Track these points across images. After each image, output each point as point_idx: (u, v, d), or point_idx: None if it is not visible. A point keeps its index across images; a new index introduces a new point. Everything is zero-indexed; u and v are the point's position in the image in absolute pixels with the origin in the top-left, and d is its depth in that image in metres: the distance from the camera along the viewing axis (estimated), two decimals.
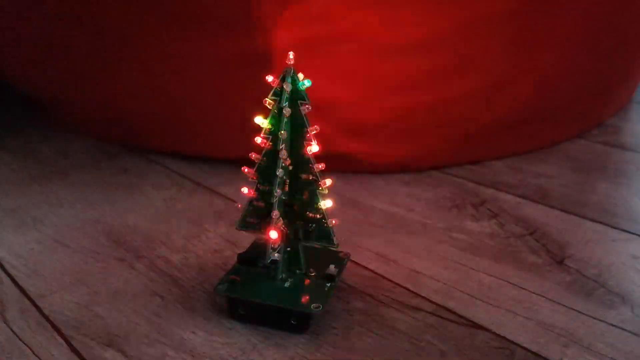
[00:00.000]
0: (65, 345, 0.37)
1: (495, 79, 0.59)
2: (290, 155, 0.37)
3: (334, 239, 0.39)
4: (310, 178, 0.38)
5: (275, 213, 0.37)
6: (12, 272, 0.45)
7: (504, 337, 0.37)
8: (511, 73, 0.59)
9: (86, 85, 0.65)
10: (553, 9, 0.57)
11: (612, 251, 0.47)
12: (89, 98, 0.67)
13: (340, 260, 0.41)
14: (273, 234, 0.38)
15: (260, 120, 0.37)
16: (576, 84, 0.65)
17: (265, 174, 0.38)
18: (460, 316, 0.39)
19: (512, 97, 0.60)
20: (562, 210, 0.53)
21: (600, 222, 0.51)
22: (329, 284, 0.39)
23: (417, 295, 0.42)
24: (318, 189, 0.38)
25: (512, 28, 0.57)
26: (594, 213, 0.53)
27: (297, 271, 0.40)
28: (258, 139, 0.38)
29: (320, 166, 0.38)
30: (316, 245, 0.39)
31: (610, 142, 0.70)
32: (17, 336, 0.38)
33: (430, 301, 0.41)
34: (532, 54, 0.59)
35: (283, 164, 0.37)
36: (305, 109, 0.37)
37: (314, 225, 0.39)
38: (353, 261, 0.45)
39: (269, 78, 0.37)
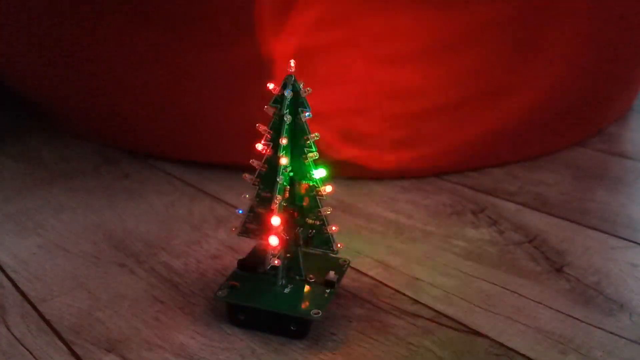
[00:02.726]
0: (65, 350, 0.37)
1: (494, 86, 0.59)
2: (290, 162, 0.38)
3: (334, 245, 0.39)
4: (310, 185, 0.38)
5: (276, 219, 0.38)
6: (13, 276, 0.45)
7: (502, 344, 0.37)
8: (511, 81, 0.59)
9: (88, 91, 0.66)
10: (553, 17, 0.58)
11: (610, 259, 0.47)
12: (91, 104, 0.67)
13: (340, 267, 0.42)
14: (273, 240, 0.38)
15: (262, 127, 0.38)
16: (576, 91, 0.65)
17: (266, 180, 0.38)
18: (460, 323, 0.39)
19: (512, 104, 0.61)
20: (561, 217, 0.54)
21: (600, 230, 0.51)
22: (328, 290, 0.39)
23: (417, 301, 0.42)
24: (318, 196, 0.38)
25: (512, 36, 0.57)
26: (593, 221, 0.53)
27: (297, 277, 0.40)
28: (259, 146, 0.38)
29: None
30: (316, 252, 0.40)
31: (610, 150, 0.70)
32: (18, 340, 0.38)
33: (430, 308, 0.41)
34: (531, 62, 0.59)
35: (283, 171, 0.37)
36: (306, 116, 0.37)
37: (314, 231, 0.39)
38: (353, 267, 0.45)
39: (270, 85, 0.37)
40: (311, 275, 0.40)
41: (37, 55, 0.66)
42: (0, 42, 0.68)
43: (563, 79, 0.62)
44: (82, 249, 0.49)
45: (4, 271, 0.46)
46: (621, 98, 0.78)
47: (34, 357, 0.36)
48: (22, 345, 0.37)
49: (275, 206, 0.37)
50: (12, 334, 0.38)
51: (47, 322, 0.40)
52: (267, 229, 0.38)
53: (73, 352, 0.37)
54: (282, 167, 0.37)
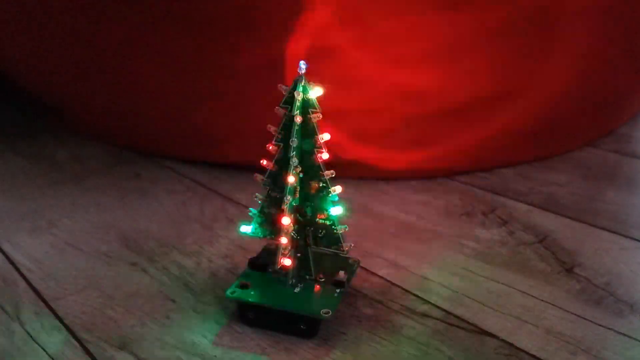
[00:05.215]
0: (79, 347, 0.38)
1: (505, 87, 0.59)
2: (300, 163, 0.38)
3: (344, 245, 0.39)
4: (321, 185, 0.38)
5: (286, 219, 0.38)
6: (27, 275, 0.45)
7: (512, 345, 0.37)
8: (521, 82, 0.59)
9: (101, 91, 0.66)
10: (563, 18, 0.57)
11: (621, 259, 0.47)
12: (105, 105, 0.68)
13: (349, 267, 0.42)
14: (283, 241, 0.38)
15: (272, 128, 0.38)
16: (587, 92, 0.65)
17: (277, 180, 0.38)
18: (469, 323, 0.40)
19: (523, 105, 0.60)
20: (572, 218, 0.53)
21: (610, 231, 0.51)
22: (338, 290, 0.39)
23: (426, 302, 0.42)
24: (328, 196, 0.38)
25: (523, 37, 0.57)
26: (604, 221, 0.53)
27: (307, 277, 0.40)
28: (270, 146, 0.38)
29: (330, 173, 0.38)
30: (326, 251, 0.40)
31: (622, 151, 0.70)
32: (32, 338, 0.38)
33: (440, 308, 0.41)
34: (542, 63, 0.59)
35: (294, 171, 0.38)
36: (316, 116, 0.37)
37: (324, 231, 0.39)
38: (363, 267, 0.45)
39: (281, 87, 0.37)
40: (321, 275, 0.40)
41: (52, 56, 0.67)
42: (15, 42, 0.69)
43: (574, 80, 0.62)
44: (94, 248, 0.49)
45: (18, 270, 0.46)
46: (633, 98, 0.77)
47: (48, 354, 0.37)
48: (36, 342, 0.38)
49: (285, 206, 0.38)
50: (26, 332, 0.39)
51: (61, 320, 0.40)
52: (277, 229, 0.38)
53: (86, 350, 0.37)
54: (291, 168, 0.37)
